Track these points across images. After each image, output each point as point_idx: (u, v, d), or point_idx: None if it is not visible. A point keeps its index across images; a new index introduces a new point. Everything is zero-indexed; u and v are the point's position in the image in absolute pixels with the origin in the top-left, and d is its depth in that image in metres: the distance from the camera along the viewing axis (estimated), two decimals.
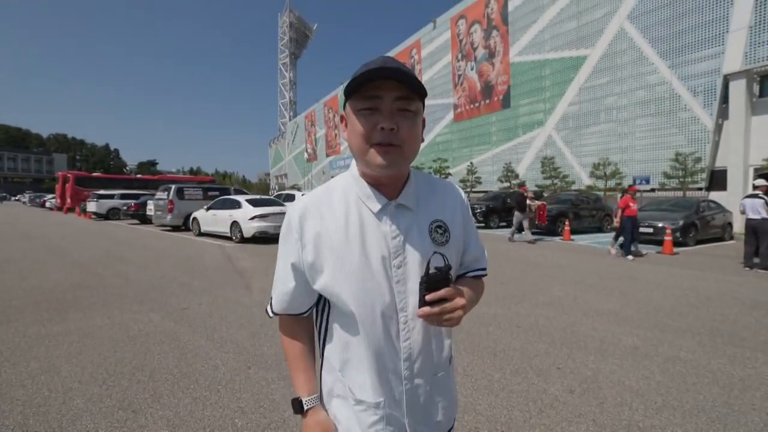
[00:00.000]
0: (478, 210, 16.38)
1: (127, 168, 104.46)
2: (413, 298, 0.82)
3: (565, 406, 2.58)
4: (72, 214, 25.81)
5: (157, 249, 9.93)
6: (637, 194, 10.25)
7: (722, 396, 2.74)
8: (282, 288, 0.91)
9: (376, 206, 0.85)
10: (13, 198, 60.41)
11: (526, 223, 11.36)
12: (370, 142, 0.79)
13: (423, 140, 0.93)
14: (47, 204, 34.87)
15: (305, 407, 0.90)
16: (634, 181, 19.42)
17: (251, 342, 3.67)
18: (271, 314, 0.96)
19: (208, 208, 12.77)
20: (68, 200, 27.29)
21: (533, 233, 12.23)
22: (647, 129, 19.45)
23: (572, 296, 5.40)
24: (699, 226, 11.24)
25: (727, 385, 2.90)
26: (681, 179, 17.01)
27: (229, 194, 15.08)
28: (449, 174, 29.04)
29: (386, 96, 0.77)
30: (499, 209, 16.54)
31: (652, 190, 18.70)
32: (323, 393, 0.94)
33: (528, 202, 11.65)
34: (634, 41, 19.55)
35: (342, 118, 0.87)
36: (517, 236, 11.65)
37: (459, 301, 0.78)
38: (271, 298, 0.96)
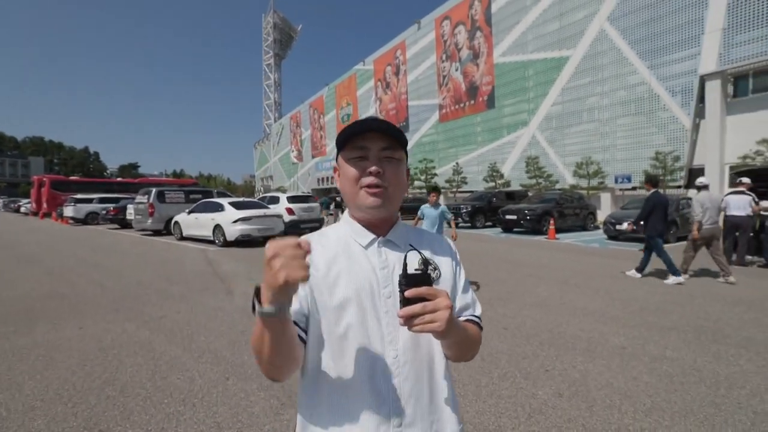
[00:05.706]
0: (464, 210, 16.44)
1: (108, 171, 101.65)
2: (405, 332, 0.79)
3: (555, 411, 2.53)
4: (48, 219, 24.94)
5: (136, 255, 9.61)
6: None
7: (709, 395, 2.72)
8: None
9: (365, 240, 0.88)
10: None
11: None
12: (360, 185, 0.85)
13: (410, 185, 0.96)
14: (22, 209, 33.65)
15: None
16: (616, 180, 19.77)
17: (231, 351, 3.52)
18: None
19: (190, 212, 12.45)
20: (44, 205, 26.37)
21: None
22: (628, 128, 19.82)
23: (558, 296, 5.39)
24: (680, 224, 11.45)
25: (713, 384, 2.89)
26: (661, 177, 17.39)
27: (212, 197, 14.76)
28: (435, 174, 29.07)
29: (373, 146, 0.85)
30: (485, 209, 16.65)
31: (634, 188, 19.06)
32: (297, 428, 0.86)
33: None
34: (614, 42, 19.91)
35: (335, 169, 0.93)
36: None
37: (443, 301, 0.69)
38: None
